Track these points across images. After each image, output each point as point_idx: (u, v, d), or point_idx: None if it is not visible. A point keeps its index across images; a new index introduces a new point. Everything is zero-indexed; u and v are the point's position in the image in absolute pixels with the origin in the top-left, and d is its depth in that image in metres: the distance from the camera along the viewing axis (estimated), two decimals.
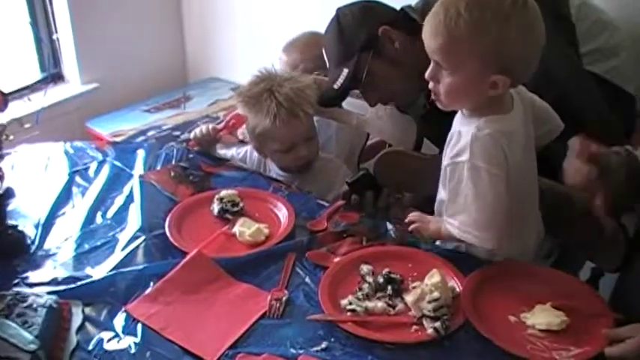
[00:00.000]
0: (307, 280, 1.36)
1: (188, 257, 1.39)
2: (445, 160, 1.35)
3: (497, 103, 1.30)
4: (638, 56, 1.79)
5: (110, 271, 1.39)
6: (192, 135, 1.90)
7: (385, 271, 1.32)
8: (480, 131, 1.27)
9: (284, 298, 1.31)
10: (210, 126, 1.88)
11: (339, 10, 1.72)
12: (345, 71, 1.65)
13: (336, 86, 1.67)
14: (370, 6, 1.71)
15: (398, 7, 1.72)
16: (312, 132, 1.78)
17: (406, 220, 1.42)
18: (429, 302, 1.22)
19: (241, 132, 1.90)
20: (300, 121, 1.69)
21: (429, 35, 1.27)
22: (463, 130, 1.31)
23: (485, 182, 1.26)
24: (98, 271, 1.40)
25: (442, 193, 1.39)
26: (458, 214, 1.32)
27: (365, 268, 1.35)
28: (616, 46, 1.72)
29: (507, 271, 1.36)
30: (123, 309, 1.29)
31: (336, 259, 1.40)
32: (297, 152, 1.74)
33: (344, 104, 1.82)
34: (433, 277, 1.28)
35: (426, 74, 1.30)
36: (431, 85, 1.31)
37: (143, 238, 1.49)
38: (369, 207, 1.64)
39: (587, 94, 1.58)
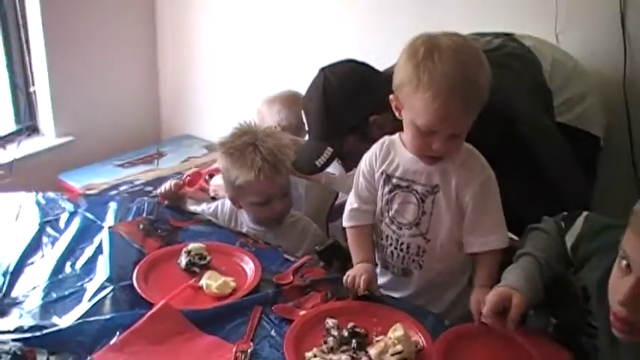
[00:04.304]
0: (273, 332, 1.35)
1: (155, 308, 1.38)
2: (463, 189, 1.40)
3: None
4: (602, 101, 1.86)
5: (77, 320, 1.37)
6: (158, 191, 1.89)
7: (350, 325, 1.32)
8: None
9: (249, 350, 1.30)
10: (173, 182, 1.88)
11: (326, 74, 1.67)
12: (330, 150, 1.68)
13: (318, 164, 1.70)
14: (362, 82, 1.66)
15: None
16: (289, 188, 1.80)
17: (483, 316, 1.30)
18: (392, 355, 1.23)
19: (213, 189, 1.91)
20: (281, 177, 1.73)
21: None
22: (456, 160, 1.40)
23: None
24: (65, 320, 1.38)
25: (442, 232, 1.44)
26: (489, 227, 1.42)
27: (330, 322, 1.34)
28: (583, 93, 1.78)
29: (484, 332, 1.33)
30: (89, 358, 1.28)
31: (302, 313, 1.40)
32: (272, 207, 1.76)
33: None
34: (396, 331, 1.28)
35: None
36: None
37: (111, 288, 1.48)
38: None
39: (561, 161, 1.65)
